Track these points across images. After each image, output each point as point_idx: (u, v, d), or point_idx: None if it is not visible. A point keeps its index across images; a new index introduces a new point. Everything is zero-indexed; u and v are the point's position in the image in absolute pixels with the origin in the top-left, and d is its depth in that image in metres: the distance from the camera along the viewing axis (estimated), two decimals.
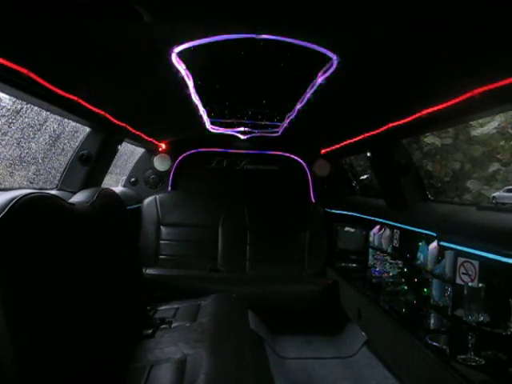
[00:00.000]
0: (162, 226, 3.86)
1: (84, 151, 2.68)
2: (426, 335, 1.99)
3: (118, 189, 3.88)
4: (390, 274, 2.90)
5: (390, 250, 3.08)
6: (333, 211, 4.00)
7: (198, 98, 2.42)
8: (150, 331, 2.17)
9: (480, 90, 1.64)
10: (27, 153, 2.43)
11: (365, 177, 4.74)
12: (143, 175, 4.15)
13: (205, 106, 2.68)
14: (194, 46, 1.54)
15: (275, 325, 3.32)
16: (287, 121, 3.00)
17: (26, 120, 2.26)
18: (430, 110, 2.02)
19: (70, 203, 1.85)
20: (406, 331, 2.10)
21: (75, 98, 1.99)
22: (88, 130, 2.72)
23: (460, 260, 2.01)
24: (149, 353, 1.94)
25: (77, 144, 2.74)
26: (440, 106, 1.94)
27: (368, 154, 3.26)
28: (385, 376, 2.54)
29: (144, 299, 2.63)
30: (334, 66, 1.67)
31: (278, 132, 3.44)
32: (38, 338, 1.29)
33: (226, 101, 2.67)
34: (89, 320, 1.67)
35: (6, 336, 1.17)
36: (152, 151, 4.11)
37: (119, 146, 3.07)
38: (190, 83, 2.08)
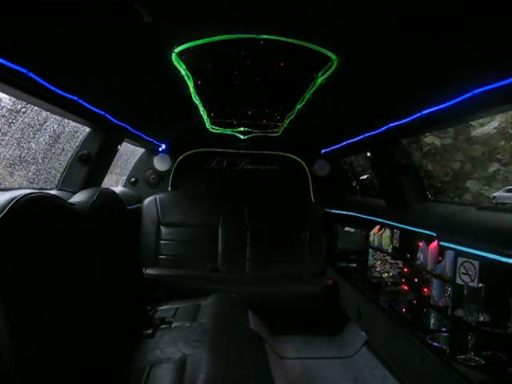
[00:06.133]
0: (162, 226, 3.86)
1: (84, 151, 2.68)
2: (425, 335, 1.99)
3: (118, 189, 3.88)
4: (390, 274, 2.90)
5: (390, 250, 3.08)
6: (333, 211, 4.00)
7: (197, 98, 2.42)
8: (150, 331, 2.17)
9: (480, 90, 1.64)
10: (27, 153, 2.43)
11: (365, 177, 4.74)
12: (143, 175, 4.15)
13: (205, 106, 2.68)
14: (194, 46, 1.54)
15: (275, 325, 3.32)
16: (287, 121, 3.00)
17: (26, 120, 2.26)
18: (430, 109, 2.02)
19: (70, 203, 1.86)
20: (406, 331, 2.10)
21: (75, 97, 1.99)
22: (88, 129, 2.72)
23: (460, 260, 2.01)
24: (149, 353, 1.94)
25: (77, 144, 2.74)
26: (440, 106, 1.94)
27: (368, 154, 3.26)
28: (385, 376, 2.55)
29: (144, 299, 2.63)
30: (334, 66, 1.67)
31: (277, 132, 3.44)
32: (37, 337, 1.29)
33: (226, 101, 2.67)
34: (89, 320, 1.67)
35: (5, 335, 1.17)
36: (152, 151, 4.11)
37: (119, 146, 3.07)
38: (190, 83, 2.07)
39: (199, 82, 2.11)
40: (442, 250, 2.32)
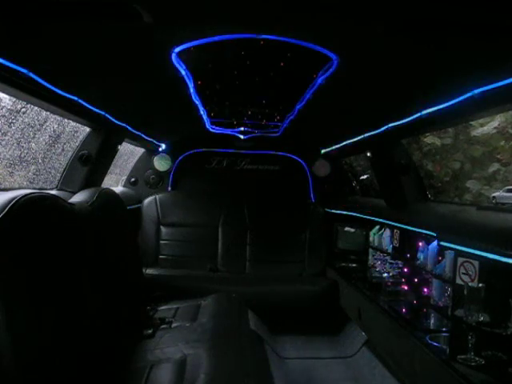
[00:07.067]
0: (161, 226, 3.86)
1: (84, 151, 2.68)
2: (426, 335, 1.99)
3: (118, 189, 3.88)
4: (390, 274, 2.90)
5: (390, 250, 3.08)
6: (333, 211, 4.00)
7: (197, 98, 2.42)
8: (150, 331, 2.17)
9: (480, 89, 1.64)
10: (27, 153, 2.43)
11: (365, 177, 4.74)
12: (143, 175, 4.15)
13: (205, 106, 2.68)
14: (194, 46, 1.54)
15: (275, 325, 3.32)
16: (287, 121, 3.00)
17: (26, 120, 2.26)
18: (430, 109, 2.02)
19: (70, 203, 1.85)
20: (406, 331, 2.10)
21: (75, 97, 1.99)
22: (88, 130, 2.72)
23: (460, 260, 2.01)
24: (149, 353, 1.94)
25: (77, 144, 2.74)
26: (440, 106, 1.94)
27: (368, 154, 3.26)
28: (385, 376, 2.55)
29: (144, 299, 2.63)
30: (334, 66, 1.67)
31: (277, 132, 3.44)
32: (37, 337, 1.29)
33: (226, 101, 2.67)
34: (89, 320, 1.67)
35: (5, 336, 1.17)
36: (152, 151, 4.11)
37: (119, 146, 3.07)
38: (190, 83, 2.08)
39: (199, 82, 2.11)
40: (441, 250, 2.32)
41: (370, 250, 3.38)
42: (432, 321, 2.26)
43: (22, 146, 2.36)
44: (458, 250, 2.06)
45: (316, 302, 3.46)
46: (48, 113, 2.34)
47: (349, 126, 2.97)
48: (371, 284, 2.96)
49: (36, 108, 2.22)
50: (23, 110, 2.18)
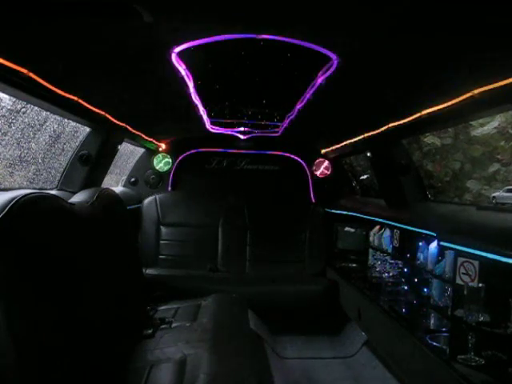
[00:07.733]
0: (161, 226, 3.86)
1: (84, 151, 2.68)
2: (426, 335, 1.99)
3: (118, 189, 3.88)
4: (390, 274, 2.90)
5: (389, 250, 3.08)
6: (333, 211, 4.00)
7: (198, 98, 2.42)
8: (150, 331, 2.17)
9: (480, 89, 1.65)
10: (27, 153, 2.43)
11: (365, 177, 4.75)
12: (143, 175, 4.15)
13: (205, 106, 2.68)
14: (194, 46, 1.54)
15: (275, 325, 3.32)
16: (287, 121, 3.00)
17: (26, 120, 2.27)
18: (430, 109, 2.02)
19: (70, 203, 1.85)
20: (406, 331, 2.10)
21: (75, 98, 1.99)
22: (88, 129, 2.72)
23: (460, 260, 2.01)
24: (149, 353, 1.94)
25: (77, 144, 2.74)
26: (440, 106, 1.94)
27: (368, 154, 3.27)
28: (385, 376, 2.54)
29: (144, 299, 2.63)
30: (334, 66, 1.67)
31: (277, 132, 3.44)
32: (38, 337, 1.29)
33: (226, 101, 2.67)
34: (89, 320, 1.67)
35: (6, 336, 1.17)
36: (152, 151, 4.12)
37: (119, 146, 3.07)
38: (190, 83, 2.08)
39: (199, 82, 2.12)
40: (441, 250, 2.32)
41: (370, 250, 3.38)
42: (432, 321, 2.26)
43: (22, 146, 2.36)
44: (458, 250, 2.05)
45: (316, 301, 3.46)
46: (48, 113, 2.34)
47: (349, 126, 2.97)
48: (371, 284, 2.96)
49: (36, 108, 2.22)
50: (23, 110, 2.18)
